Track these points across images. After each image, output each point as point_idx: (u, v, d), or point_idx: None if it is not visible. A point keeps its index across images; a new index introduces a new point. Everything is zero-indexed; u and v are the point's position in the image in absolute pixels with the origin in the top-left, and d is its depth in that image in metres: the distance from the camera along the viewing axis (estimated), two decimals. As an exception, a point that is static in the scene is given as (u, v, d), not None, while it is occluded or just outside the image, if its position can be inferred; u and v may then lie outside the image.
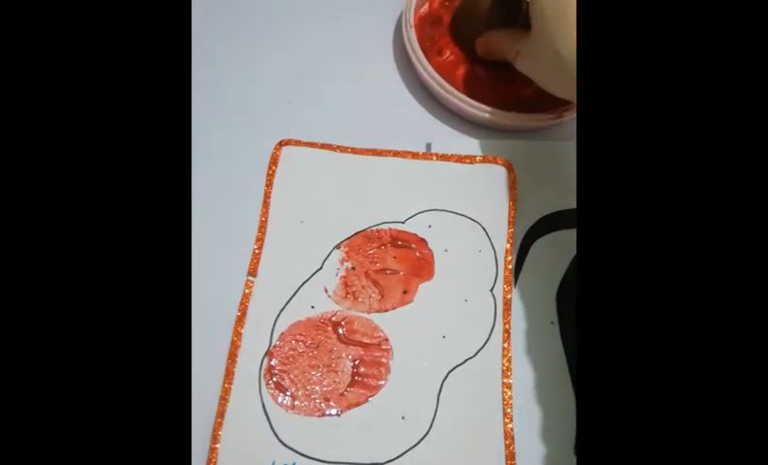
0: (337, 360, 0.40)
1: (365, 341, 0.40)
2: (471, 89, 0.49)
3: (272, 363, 0.39)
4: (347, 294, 0.41)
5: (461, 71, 0.51)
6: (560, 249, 0.44)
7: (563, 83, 0.40)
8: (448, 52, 0.52)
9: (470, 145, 0.47)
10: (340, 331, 0.40)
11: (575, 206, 0.45)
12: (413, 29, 0.49)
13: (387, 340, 0.40)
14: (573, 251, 0.44)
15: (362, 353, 0.40)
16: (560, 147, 0.48)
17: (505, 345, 0.41)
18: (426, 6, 0.54)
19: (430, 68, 0.48)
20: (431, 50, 0.51)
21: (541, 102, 0.49)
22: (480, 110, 0.47)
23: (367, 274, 0.42)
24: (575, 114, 0.47)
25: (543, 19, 0.39)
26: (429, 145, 0.47)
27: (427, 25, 0.53)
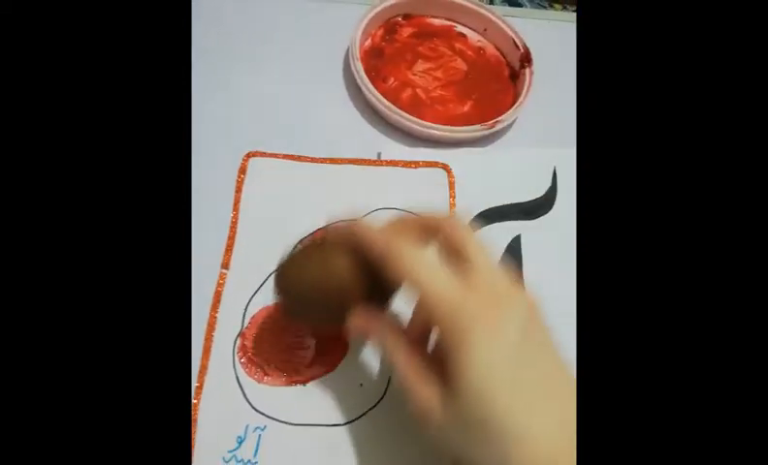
0: (302, 339, 0.44)
1: (326, 321, 0.45)
2: (414, 109, 0.56)
3: (245, 342, 0.43)
4: (310, 281, 0.46)
5: (404, 94, 0.57)
6: (495, 238, 0.50)
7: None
8: (392, 79, 0.58)
9: (414, 154, 0.53)
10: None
11: (507, 203, 0.51)
12: (359, 61, 0.56)
13: (346, 320, 0.45)
14: (505, 241, 0.50)
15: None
16: (492, 153, 0.54)
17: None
18: (369, 41, 0.60)
19: (377, 93, 0.54)
20: (376, 78, 0.57)
21: (473, 116, 0.56)
22: (423, 127, 0.53)
23: (327, 264, 0.47)
24: (504, 125, 0.54)
25: (486, 414, 0.29)
26: (379, 154, 0.53)
27: (371, 57, 0.59)
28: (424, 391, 0.32)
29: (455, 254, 0.33)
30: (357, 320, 0.35)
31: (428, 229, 0.35)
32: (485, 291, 0.31)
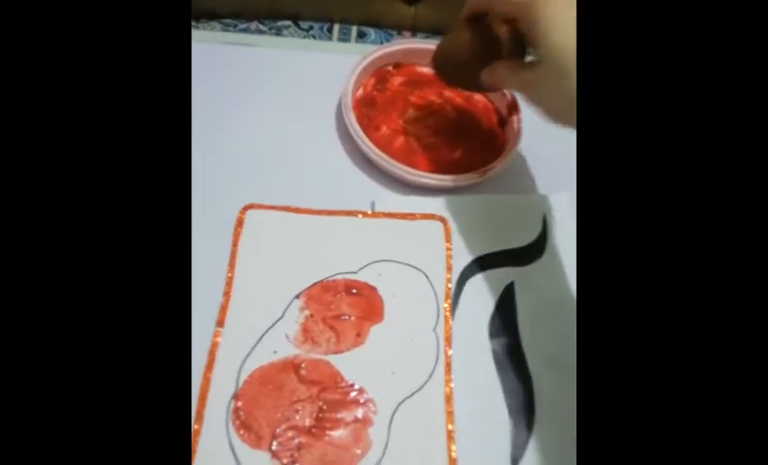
0: (299, 400, 0.38)
1: (323, 381, 0.39)
2: (407, 157, 0.50)
3: (239, 405, 0.37)
4: (306, 338, 0.40)
5: (397, 142, 0.52)
6: (488, 286, 0.45)
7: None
8: (384, 128, 0.53)
9: (408, 203, 0.47)
10: (301, 373, 0.39)
11: (499, 249, 0.46)
12: (351, 112, 0.50)
13: (343, 379, 0.39)
14: (501, 287, 0.45)
15: (320, 392, 0.38)
16: (485, 200, 0.49)
17: (447, 377, 0.40)
18: (361, 90, 0.55)
19: (369, 143, 0.49)
20: (369, 127, 0.52)
21: (464, 162, 0.50)
22: (415, 175, 0.48)
23: (324, 320, 0.41)
24: (495, 172, 0.49)
25: (560, 51, 0.35)
26: (373, 204, 0.47)
27: (363, 106, 0.54)
28: (526, 75, 0.40)
29: None
30: (485, 74, 0.44)
31: None
32: None
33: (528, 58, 0.42)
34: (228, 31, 0.59)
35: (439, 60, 0.48)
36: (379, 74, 0.56)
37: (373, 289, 0.43)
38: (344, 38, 0.61)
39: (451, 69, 0.48)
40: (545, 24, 0.36)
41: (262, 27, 0.60)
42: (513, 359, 0.42)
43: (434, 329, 0.42)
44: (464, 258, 0.46)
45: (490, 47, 0.43)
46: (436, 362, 0.41)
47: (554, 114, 0.39)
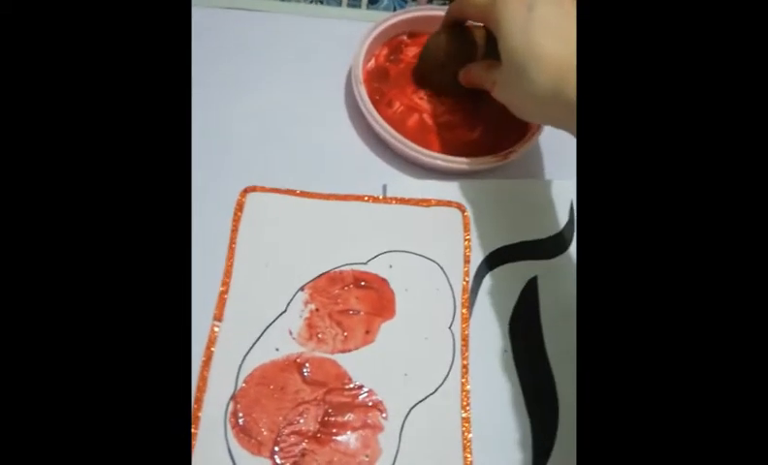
0: (303, 402, 0.35)
1: (329, 382, 0.36)
2: (421, 137, 0.47)
3: (238, 407, 0.35)
4: (311, 335, 0.37)
5: (411, 120, 0.48)
6: (509, 281, 0.42)
7: (537, 110, 0.38)
8: (398, 104, 0.49)
9: (423, 187, 0.44)
10: (305, 373, 0.36)
11: (521, 240, 0.43)
12: (362, 85, 0.46)
13: (351, 380, 0.36)
14: (522, 282, 0.42)
15: (326, 394, 0.35)
16: (506, 185, 0.45)
17: (463, 380, 0.37)
18: (372, 61, 0.51)
19: (381, 120, 0.45)
20: (381, 103, 0.48)
21: (483, 144, 0.47)
22: (431, 158, 0.44)
23: (330, 315, 0.38)
24: (518, 155, 0.45)
25: (512, 51, 0.37)
26: (384, 187, 0.44)
27: (374, 79, 0.50)
28: (492, 75, 0.41)
29: None
30: (462, 73, 0.45)
31: None
32: None
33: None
34: (229, -6, 0.54)
35: (422, 61, 0.49)
36: (392, 43, 0.52)
37: (384, 281, 0.39)
38: (355, 3, 0.57)
39: (430, 69, 0.48)
40: (503, 26, 0.37)
41: (266, -9, 0.55)
42: (535, 361, 0.39)
43: (450, 327, 0.39)
44: (482, 249, 0.42)
45: (468, 50, 0.45)
46: (452, 363, 0.37)
47: (518, 111, 0.40)
